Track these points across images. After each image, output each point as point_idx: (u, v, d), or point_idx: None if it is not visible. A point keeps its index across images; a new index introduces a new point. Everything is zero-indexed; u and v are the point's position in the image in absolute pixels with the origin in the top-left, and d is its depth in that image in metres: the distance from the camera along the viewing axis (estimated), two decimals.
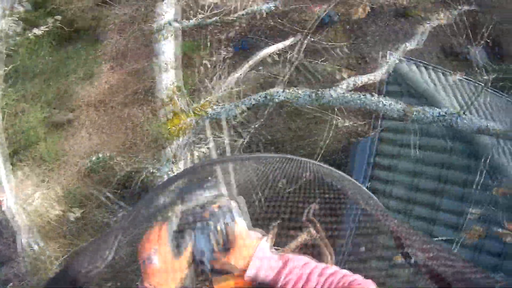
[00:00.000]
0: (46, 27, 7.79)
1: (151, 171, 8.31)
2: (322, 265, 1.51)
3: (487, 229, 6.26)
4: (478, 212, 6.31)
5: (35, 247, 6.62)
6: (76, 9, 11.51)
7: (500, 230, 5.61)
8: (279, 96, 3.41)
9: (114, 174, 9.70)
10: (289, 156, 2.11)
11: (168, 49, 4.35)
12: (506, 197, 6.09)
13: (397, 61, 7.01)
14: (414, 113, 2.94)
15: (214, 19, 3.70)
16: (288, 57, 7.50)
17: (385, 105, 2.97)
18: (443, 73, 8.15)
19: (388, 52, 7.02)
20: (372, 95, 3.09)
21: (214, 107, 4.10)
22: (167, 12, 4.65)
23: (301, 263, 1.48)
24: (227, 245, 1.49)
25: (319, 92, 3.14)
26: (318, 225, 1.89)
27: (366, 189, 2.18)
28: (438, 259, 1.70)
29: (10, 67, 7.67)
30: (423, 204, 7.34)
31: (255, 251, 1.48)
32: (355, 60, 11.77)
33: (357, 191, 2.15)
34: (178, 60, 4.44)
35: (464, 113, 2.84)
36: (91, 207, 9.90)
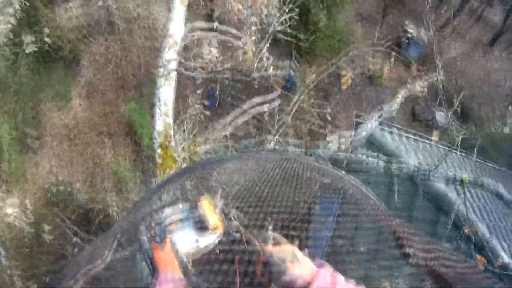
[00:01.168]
0: (36, 47, 7.61)
1: (109, 213, 8.22)
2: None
3: None
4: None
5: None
6: (59, 38, 11.52)
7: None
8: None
9: (73, 208, 9.89)
10: (289, 156, 2.23)
11: (168, 95, 4.51)
12: (475, 235, 6.39)
13: (375, 126, 7.30)
14: (394, 168, 3.22)
15: (225, 77, 3.86)
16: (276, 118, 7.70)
17: (368, 164, 3.23)
18: (412, 137, 8.36)
19: (367, 116, 7.33)
20: (357, 156, 3.31)
21: (203, 156, 4.24)
22: (172, 59, 4.81)
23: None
24: None
25: (308, 152, 3.33)
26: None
27: (366, 190, 2.17)
28: (439, 259, 1.71)
29: None
30: None
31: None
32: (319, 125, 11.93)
33: (358, 191, 2.12)
34: (171, 108, 4.61)
35: (435, 169, 3.14)
36: (48, 236, 9.63)
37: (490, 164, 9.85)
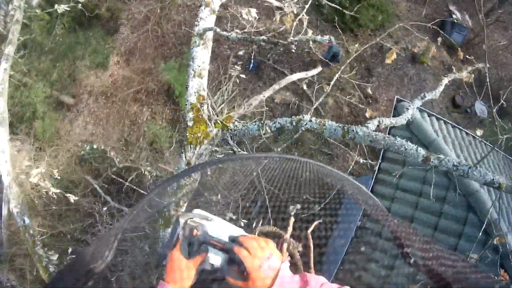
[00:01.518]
0: (68, 7, 7.44)
1: (142, 172, 8.04)
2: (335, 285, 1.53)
3: None
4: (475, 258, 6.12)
5: (20, 222, 6.35)
6: None
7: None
8: (307, 124, 3.23)
9: (105, 168, 9.74)
10: (288, 156, 2.09)
11: (202, 55, 4.16)
12: (503, 246, 5.85)
13: (416, 110, 6.90)
14: (433, 160, 2.84)
15: (261, 38, 3.46)
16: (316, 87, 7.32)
17: (407, 149, 2.85)
18: (452, 127, 7.80)
19: (410, 100, 6.87)
20: (396, 139, 2.96)
21: (236, 123, 3.89)
22: (208, 18, 4.46)
23: (319, 283, 1.54)
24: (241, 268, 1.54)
25: (346, 127, 2.99)
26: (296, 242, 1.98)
27: (366, 190, 2.17)
28: (438, 259, 1.70)
29: (22, 38, 7.34)
30: None
31: (277, 273, 1.56)
32: (360, 98, 11.52)
33: (357, 191, 2.16)
34: (207, 70, 4.25)
35: (475, 166, 2.76)
36: (77, 194, 9.27)
37: None
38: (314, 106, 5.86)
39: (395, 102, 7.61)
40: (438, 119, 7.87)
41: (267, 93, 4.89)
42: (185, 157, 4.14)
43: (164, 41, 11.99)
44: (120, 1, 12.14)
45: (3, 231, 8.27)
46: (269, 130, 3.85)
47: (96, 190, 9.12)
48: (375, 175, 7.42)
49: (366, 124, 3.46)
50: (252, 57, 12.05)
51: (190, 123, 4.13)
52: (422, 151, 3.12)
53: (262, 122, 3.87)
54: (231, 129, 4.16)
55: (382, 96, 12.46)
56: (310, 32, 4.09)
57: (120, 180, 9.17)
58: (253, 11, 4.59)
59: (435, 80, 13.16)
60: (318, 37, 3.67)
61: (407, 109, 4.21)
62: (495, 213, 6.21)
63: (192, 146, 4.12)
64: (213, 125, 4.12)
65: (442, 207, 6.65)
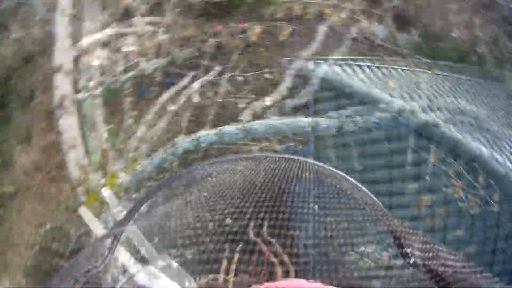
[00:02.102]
0: None
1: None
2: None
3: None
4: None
5: None
6: None
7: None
8: (205, 138, 3.05)
9: (65, 244, 9.08)
10: (288, 156, 2.15)
11: (71, 124, 3.92)
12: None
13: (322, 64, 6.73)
14: (347, 126, 2.71)
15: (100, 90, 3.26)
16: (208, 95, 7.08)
17: (321, 125, 2.72)
18: (368, 66, 7.63)
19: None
20: (305, 117, 2.76)
21: (143, 162, 3.71)
22: (64, 84, 4.20)
23: None
24: None
25: (245, 126, 2.81)
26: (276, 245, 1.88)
27: (365, 190, 2.17)
28: (438, 259, 1.66)
29: None
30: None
31: None
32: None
33: (357, 191, 2.10)
34: (79, 137, 4.00)
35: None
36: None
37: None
38: None
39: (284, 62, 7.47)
40: (350, 65, 7.67)
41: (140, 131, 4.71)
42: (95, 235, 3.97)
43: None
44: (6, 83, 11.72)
45: None
46: (175, 159, 3.64)
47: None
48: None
49: (265, 115, 3.26)
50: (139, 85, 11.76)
51: (84, 198, 3.92)
52: (332, 121, 2.89)
53: (165, 151, 3.67)
54: (120, 184, 3.97)
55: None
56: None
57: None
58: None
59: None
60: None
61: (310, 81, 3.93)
62: None
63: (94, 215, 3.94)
64: (103, 191, 3.92)
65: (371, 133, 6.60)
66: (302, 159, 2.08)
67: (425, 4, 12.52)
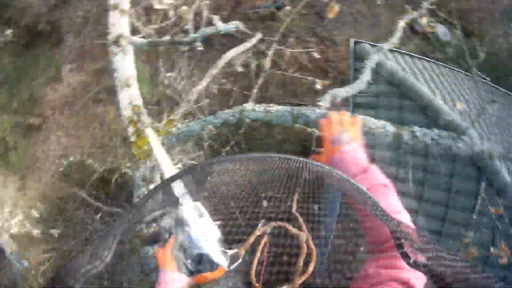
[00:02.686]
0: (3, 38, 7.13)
1: (123, 171, 7.83)
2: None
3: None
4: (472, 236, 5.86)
5: (20, 266, 6.20)
6: (31, 16, 11.20)
7: (495, 250, 5.22)
8: (250, 114, 2.83)
9: (88, 176, 9.38)
10: (289, 156, 1.92)
11: (125, 63, 3.68)
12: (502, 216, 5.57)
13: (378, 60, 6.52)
14: (406, 136, 2.41)
15: (165, 39, 3.00)
16: (255, 65, 6.81)
17: (372, 127, 2.45)
18: (419, 59, 7.56)
19: (369, 40, 6.33)
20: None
21: (179, 125, 3.50)
22: (120, 23, 3.96)
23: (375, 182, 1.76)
24: None
25: (295, 110, 2.60)
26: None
27: (365, 190, 1.92)
28: (438, 259, 1.55)
29: None
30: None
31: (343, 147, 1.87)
32: (317, 44, 11.02)
33: (357, 192, 1.94)
34: (134, 76, 3.77)
35: (460, 137, 2.33)
36: (70, 210, 9.71)
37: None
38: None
39: (351, 44, 7.05)
40: (401, 54, 7.36)
41: (205, 81, 4.46)
42: (138, 174, 3.80)
43: (106, 29, 11.52)
44: (57, 11, 11.55)
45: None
46: (213, 129, 3.49)
47: (86, 200, 8.94)
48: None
49: (318, 102, 3.06)
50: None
51: (133, 138, 3.76)
52: (390, 128, 2.74)
53: (205, 119, 3.52)
54: (175, 134, 3.81)
55: (339, 37, 11.89)
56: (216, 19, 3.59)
57: (106, 183, 9.00)
58: None
59: (389, 11, 12.36)
60: (222, 26, 3.17)
61: (363, 67, 3.67)
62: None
63: (141, 161, 3.78)
64: (155, 135, 3.75)
65: (427, 148, 5.93)
66: (303, 159, 1.89)
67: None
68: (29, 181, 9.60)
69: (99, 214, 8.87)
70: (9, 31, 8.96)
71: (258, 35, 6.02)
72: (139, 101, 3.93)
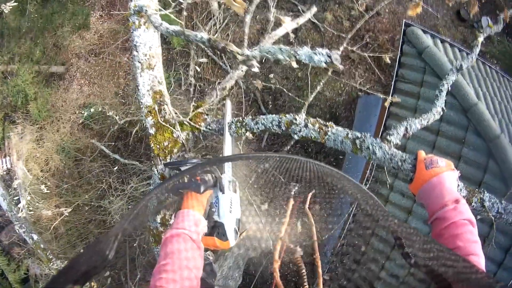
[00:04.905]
0: None
1: (144, 124, 7.40)
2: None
3: None
4: None
5: (30, 240, 5.82)
6: None
7: None
8: (301, 130, 2.21)
9: (107, 127, 9.30)
10: (289, 156, 2.00)
11: (148, 38, 2.86)
12: None
13: (428, 36, 5.79)
14: (474, 203, 2.17)
15: (200, 37, 2.15)
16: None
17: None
18: (467, 54, 6.78)
19: (419, 25, 5.68)
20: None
21: (209, 120, 2.71)
22: None
23: (462, 216, 1.74)
24: None
25: (358, 141, 2.06)
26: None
27: (366, 189, 2.03)
28: (439, 259, 1.58)
29: None
30: None
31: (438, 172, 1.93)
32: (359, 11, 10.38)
33: (357, 191, 2.09)
34: (158, 56, 2.95)
35: None
36: (86, 161, 9.34)
37: None
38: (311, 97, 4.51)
39: (403, 27, 6.48)
40: (451, 45, 6.82)
41: (244, 68, 3.61)
42: (157, 171, 3.07)
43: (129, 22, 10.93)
44: None
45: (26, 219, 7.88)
46: (250, 136, 2.75)
47: (104, 151, 8.78)
48: (387, 109, 6.46)
49: (387, 135, 2.55)
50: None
51: (151, 131, 3.00)
52: (462, 186, 2.29)
53: (241, 121, 2.78)
54: (203, 131, 3.03)
55: (383, 7, 11.01)
56: (288, 21, 2.66)
57: (125, 134, 9.10)
58: None
59: None
60: (304, 53, 2.20)
61: (439, 94, 2.97)
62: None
63: (161, 158, 3.03)
64: (179, 128, 2.97)
65: (461, 150, 5.85)
66: (303, 159, 1.95)
67: None
68: (47, 132, 9.12)
69: (116, 167, 8.71)
70: None
71: (313, 9, 5.26)
72: (162, 87, 3.13)
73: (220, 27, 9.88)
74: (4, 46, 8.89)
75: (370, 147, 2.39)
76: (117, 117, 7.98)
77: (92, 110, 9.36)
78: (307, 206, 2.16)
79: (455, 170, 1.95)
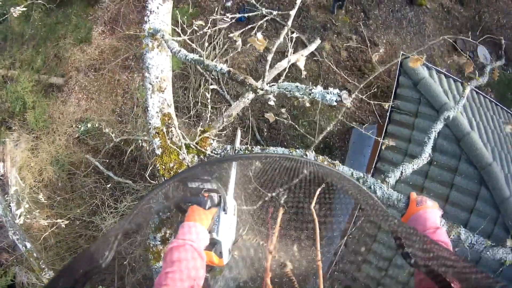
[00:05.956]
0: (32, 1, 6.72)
1: (140, 144, 8.03)
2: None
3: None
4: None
5: (23, 248, 5.82)
6: None
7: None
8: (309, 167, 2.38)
9: (103, 144, 9.31)
10: (290, 156, 2.13)
11: (160, 61, 3.00)
12: None
13: (424, 67, 5.98)
14: (453, 236, 2.68)
15: (221, 68, 2.29)
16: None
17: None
18: (461, 84, 7.03)
19: (415, 52, 5.93)
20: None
21: (214, 145, 2.85)
22: (161, 8, 3.25)
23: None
24: None
25: (360, 180, 2.19)
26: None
27: (366, 189, 2.16)
28: (439, 259, 1.62)
29: None
30: None
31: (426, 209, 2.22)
32: (357, 42, 10.51)
33: (357, 191, 2.14)
34: (169, 79, 3.09)
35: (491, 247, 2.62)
36: (80, 175, 9.36)
37: None
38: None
39: (400, 59, 6.65)
40: (446, 76, 7.02)
41: (250, 96, 3.73)
42: (160, 192, 3.14)
43: (144, 7, 11.00)
44: None
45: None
46: (258, 165, 2.87)
47: (98, 167, 8.62)
48: (382, 136, 6.59)
49: (386, 177, 2.87)
50: (242, 9, 10.97)
51: (158, 151, 3.11)
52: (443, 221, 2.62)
53: (250, 150, 2.92)
54: (209, 155, 3.14)
55: (381, 38, 11.56)
56: (302, 62, 2.80)
57: (120, 153, 9.11)
58: None
59: (435, 23, 12.18)
60: (318, 92, 2.37)
61: (427, 141, 3.34)
62: (508, 189, 5.66)
63: (165, 179, 3.14)
64: (185, 151, 3.08)
65: (454, 179, 6.03)
66: (303, 159, 2.03)
67: None
68: (43, 143, 9.13)
69: (109, 184, 8.62)
70: None
71: (317, 42, 5.41)
72: (171, 109, 3.25)
73: (219, 52, 10.09)
74: (7, 50, 8.96)
75: (372, 187, 2.65)
76: (113, 135, 8.04)
77: (88, 125, 9.34)
78: (313, 205, 2.14)
79: (440, 210, 2.26)
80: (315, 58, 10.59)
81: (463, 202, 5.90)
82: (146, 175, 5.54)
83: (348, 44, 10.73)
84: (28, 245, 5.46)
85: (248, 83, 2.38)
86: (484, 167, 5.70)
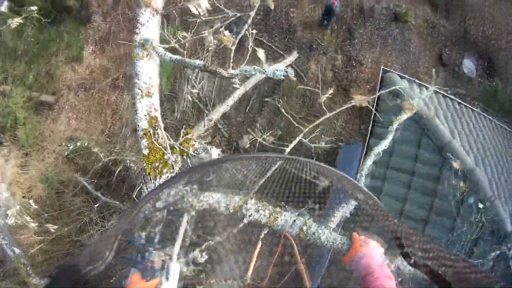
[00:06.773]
0: (26, 15, 6.90)
1: (128, 164, 7.66)
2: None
3: None
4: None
5: (11, 253, 5.93)
6: None
7: None
8: (250, 215, 2.61)
9: (91, 163, 9.35)
10: (291, 156, 2.08)
11: (149, 69, 3.29)
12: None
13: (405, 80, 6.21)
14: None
15: (198, 62, 2.61)
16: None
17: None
18: (443, 96, 7.42)
19: (398, 69, 6.15)
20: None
21: (197, 145, 3.14)
22: (150, 22, 3.54)
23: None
24: None
25: (304, 227, 2.73)
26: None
27: (366, 189, 2.14)
28: (438, 259, 1.65)
29: None
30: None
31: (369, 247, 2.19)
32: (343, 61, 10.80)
33: (357, 191, 2.12)
34: (157, 85, 3.37)
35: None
36: (69, 194, 9.43)
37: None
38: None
39: (381, 73, 6.88)
40: (427, 88, 7.22)
41: (231, 101, 4.04)
42: (147, 189, 3.42)
43: (135, 25, 11.25)
44: None
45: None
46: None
47: (86, 188, 8.86)
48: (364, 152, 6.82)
49: (330, 222, 2.90)
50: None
51: (145, 152, 3.37)
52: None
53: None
54: (191, 155, 3.41)
55: (366, 58, 11.82)
56: (261, 53, 3.14)
57: (108, 172, 9.10)
58: (204, 2, 3.62)
59: (419, 39, 12.43)
60: (269, 70, 2.78)
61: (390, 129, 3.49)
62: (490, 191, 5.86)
63: (151, 177, 3.38)
64: (170, 151, 3.35)
65: (437, 187, 6.19)
66: (303, 159, 2.07)
67: None
68: (32, 160, 9.25)
69: (97, 204, 8.53)
70: (35, 6, 8.65)
71: (294, 55, 5.71)
72: (157, 113, 3.53)
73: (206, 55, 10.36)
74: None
75: (316, 234, 2.68)
76: (101, 154, 8.22)
77: (78, 144, 9.44)
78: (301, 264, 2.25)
79: (382, 248, 2.27)
80: (301, 80, 11.00)
81: (446, 209, 6.04)
82: (134, 196, 5.65)
83: (333, 64, 11.07)
84: (17, 250, 5.59)
85: (218, 72, 2.84)
86: (467, 173, 5.85)
